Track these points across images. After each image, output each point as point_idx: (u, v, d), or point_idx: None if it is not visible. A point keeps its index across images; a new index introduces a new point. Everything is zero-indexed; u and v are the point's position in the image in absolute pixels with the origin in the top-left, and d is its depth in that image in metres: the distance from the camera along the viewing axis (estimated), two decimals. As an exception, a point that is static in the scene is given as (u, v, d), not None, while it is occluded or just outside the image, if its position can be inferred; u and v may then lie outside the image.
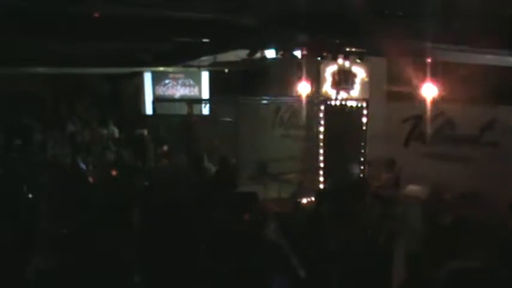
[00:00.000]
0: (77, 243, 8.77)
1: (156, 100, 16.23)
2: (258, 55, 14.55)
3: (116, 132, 16.72)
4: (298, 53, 14.74)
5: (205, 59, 16.56)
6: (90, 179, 12.41)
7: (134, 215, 9.99)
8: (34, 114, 16.13)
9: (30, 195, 11.00)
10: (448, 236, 9.00)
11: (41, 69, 13.95)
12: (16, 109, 15.62)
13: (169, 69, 16.78)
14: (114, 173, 12.60)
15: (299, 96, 15.79)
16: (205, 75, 17.47)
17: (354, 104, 15.18)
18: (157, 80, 17.12)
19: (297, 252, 9.34)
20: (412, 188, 13.62)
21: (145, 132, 14.93)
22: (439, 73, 12.92)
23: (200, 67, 16.71)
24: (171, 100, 15.78)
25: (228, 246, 8.22)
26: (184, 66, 16.96)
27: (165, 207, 10.25)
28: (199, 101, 16.03)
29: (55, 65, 13.84)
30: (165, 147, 13.92)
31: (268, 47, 14.56)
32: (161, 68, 16.46)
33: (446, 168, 13.79)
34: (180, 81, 17.20)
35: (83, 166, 12.90)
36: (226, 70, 16.96)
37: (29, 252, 8.59)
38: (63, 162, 13.42)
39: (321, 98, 15.39)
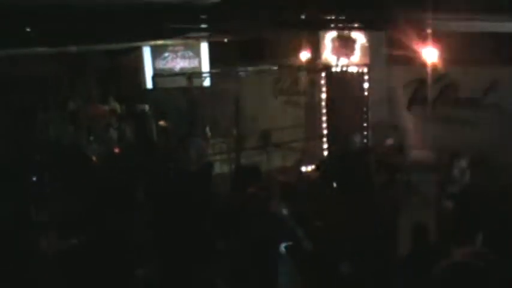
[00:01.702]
0: (85, 223, 8.80)
1: (156, 74, 16.10)
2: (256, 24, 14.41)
3: (118, 108, 16.62)
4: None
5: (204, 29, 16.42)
6: (94, 158, 12.39)
7: (139, 192, 9.98)
8: (35, 95, 15.99)
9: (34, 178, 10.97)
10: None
11: (40, 49, 13.76)
12: (16, 90, 15.50)
13: (168, 42, 16.63)
14: (118, 150, 12.58)
15: (300, 64, 15.68)
16: (204, 47, 17.34)
17: (354, 69, 15.07)
18: (156, 53, 17.01)
19: (303, 222, 9.38)
20: (417, 153, 13.59)
21: (147, 107, 14.85)
22: (439, 36, 12.80)
23: (199, 38, 16.52)
24: (172, 74, 15.61)
25: (232, 221, 8.19)
26: (183, 38, 16.80)
27: (169, 184, 10.25)
28: (199, 73, 15.87)
29: (54, 44, 13.68)
30: (166, 122, 13.86)
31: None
32: (160, 42, 16.31)
33: (450, 131, 13.75)
34: (179, 54, 17.09)
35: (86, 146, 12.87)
36: (226, 40, 16.82)
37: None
38: (65, 143, 13.38)
39: (322, 65, 15.27)
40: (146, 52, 16.98)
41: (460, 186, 9.61)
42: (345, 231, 9.09)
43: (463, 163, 9.38)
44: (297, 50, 15.69)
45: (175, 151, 11.91)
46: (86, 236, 8.45)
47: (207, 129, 14.55)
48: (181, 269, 7.97)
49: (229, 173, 11.02)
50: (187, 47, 17.25)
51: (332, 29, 14.59)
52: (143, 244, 8.62)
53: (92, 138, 13.97)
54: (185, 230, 8.49)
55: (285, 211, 9.20)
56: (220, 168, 12.84)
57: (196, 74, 15.48)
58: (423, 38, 12.69)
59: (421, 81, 14.42)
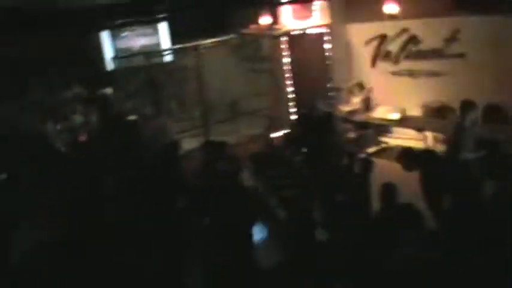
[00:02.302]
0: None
1: (116, 54, 15.84)
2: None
3: (82, 92, 16.28)
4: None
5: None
6: (63, 147, 12.20)
7: (110, 178, 9.90)
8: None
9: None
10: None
11: None
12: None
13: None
14: (85, 136, 12.39)
15: (260, 31, 15.53)
16: (163, 23, 17.08)
17: (315, 31, 14.97)
18: (114, 33, 16.71)
19: (274, 191, 9.38)
20: (383, 109, 13.63)
21: (110, 90, 14.59)
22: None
23: (156, 13, 16.23)
24: (132, 54, 15.31)
25: (204, 198, 8.16)
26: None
27: (140, 167, 10.17)
28: (159, 51, 15.61)
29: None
30: (130, 104, 13.68)
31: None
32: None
33: (416, 84, 13.80)
34: (138, 32, 16.80)
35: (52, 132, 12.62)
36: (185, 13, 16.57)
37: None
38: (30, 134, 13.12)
39: (282, 30, 15.15)
40: (104, 32, 16.68)
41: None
42: (317, 197, 9.09)
43: (476, 113, 9.29)
44: (257, 17, 15.51)
45: (140, 133, 11.74)
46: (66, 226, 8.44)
47: (173, 105, 14.42)
48: (159, 253, 7.95)
49: (198, 148, 10.90)
50: (145, 24, 16.99)
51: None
52: (119, 229, 8.57)
53: (58, 127, 13.68)
54: (158, 211, 8.44)
55: (256, 182, 9.22)
56: (189, 144, 12.73)
57: (157, 51, 15.24)
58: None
59: (383, 37, 14.41)
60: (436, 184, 8.01)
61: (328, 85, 14.92)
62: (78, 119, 13.85)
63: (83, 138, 12.62)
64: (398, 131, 13.90)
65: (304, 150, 10.97)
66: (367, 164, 9.17)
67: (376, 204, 8.06)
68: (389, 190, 7.66)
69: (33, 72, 16.92)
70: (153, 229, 8.19)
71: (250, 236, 8.03)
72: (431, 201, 7.72)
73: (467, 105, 9.41)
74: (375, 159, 10.46)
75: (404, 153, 8.35)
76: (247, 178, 9.08)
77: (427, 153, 8.78)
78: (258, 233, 8.24)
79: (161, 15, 14.39)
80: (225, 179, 8.38)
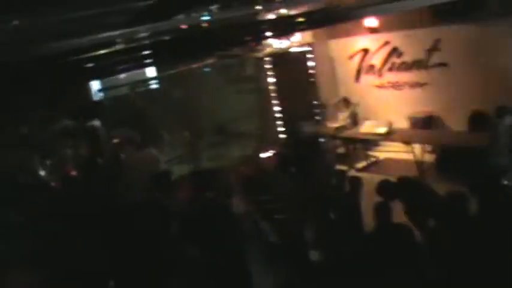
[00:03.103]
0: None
1: (103, 85, 15.80)
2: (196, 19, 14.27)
3: (70, 126, 16.21)
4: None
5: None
6: (54, 183, 12.17)
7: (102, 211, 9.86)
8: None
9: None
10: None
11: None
12: None
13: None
14: (75, 171, 12.35)
15: (244, 52, 15.58)
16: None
17: (298, 49, 15.06)
18: (101, 67, 16.66)
19: (267, 215, 9.37)
20: (370, 124, 13.66)
21: (98, 122, 14.54)
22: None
23: (139, 40, 16.24)
24: (118, 85, 15.22)
25: (197, 230, 8.16)
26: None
27: (131, 198, 10.17)
28: (145, 79, 15.57)
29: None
30: (117, 139, 13.64)
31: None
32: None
33: (400, 96, 13.87)
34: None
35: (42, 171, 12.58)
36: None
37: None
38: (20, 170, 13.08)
39: (265, 50, 15.22)
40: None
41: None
42: (308, 218, 9.10)
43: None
44: (239, 38, 15.56)
45: (130, 164, 11.72)
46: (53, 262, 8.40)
47: (162, 133, 14.42)
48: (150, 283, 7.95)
49: (187, 178, 10.94)
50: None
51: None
52: (111, 260, 8.56)
53: (48, 162, 13.64)
54: (151, 243, 8.42)
55: (247, 207, 9.21)
56: (179, 171, 12.75)
57: (142, 80, 15.23)
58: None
59: (365, 51, 14.50)
60: (420, 211, 7.96)
61: (314, 102, 14.98)
62: (67, 152, 13.84)
63: (73, 172, 12.60)
64: (387, 144, 13.93)
65: (293, 171, 10.97)
66: (356, 182, 9.17)
67: (369, 222, 8.07)
68: (381, 208, 7.67)
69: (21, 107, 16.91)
70: (144, 260, 8.18)
71: (244, 263, 8.03)
72: (418, 226, 7.68)
73: (503, 110, 9.45)
74: (365, 174, 10.52)
75: (380, 185, 8.27)
76: (238, 204, 9.05)
77: (405, 182, 8.66)
78: (252, 259, 8.23)
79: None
80: (215, 208, 8.38)
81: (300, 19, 13.71)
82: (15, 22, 9.88)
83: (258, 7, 13.98)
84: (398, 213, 7.64)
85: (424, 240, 7.20)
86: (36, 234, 9.24)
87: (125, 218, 9.24)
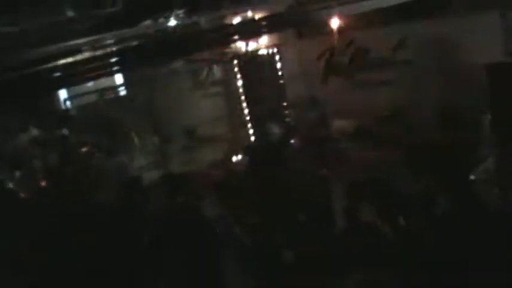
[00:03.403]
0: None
1: (70, 94, 15.67)
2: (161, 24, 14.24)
3: (39, 135, 16.07)
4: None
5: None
6: (24, 194, 12.08)
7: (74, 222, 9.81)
8: None
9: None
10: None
11: None
12: None
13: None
14: (45, 181, 12.27)
15: (210, 55, 15.58)
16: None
17: (265, 51, 15.10)
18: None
19: (239, 218, 9.40)
20: (339, 123, 13.73)
21: (66, 131, 14.45)
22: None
23: (106, 47, 16.15)
24: (86, 92, 15.08)
25: (166, 234, 8.17)
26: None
27: (101, 206, 10.15)
28: (112, 86, 15.49)
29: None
30: (85, 148, 13.59)
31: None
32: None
33: (368, 95, 13.94)
34: (88, 67, 16.65)
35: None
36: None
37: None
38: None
39: (232, 53, 15.24)
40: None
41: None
42: (281, 219, 9.14)
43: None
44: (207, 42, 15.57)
45: (100, 172, 11.72)
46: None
47: (132, 139, 14.40)
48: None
49: (157, 182, 10.93)
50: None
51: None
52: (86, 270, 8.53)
53: (17, 173, 13.52)
54: (124, 250, 8.41)
55: (219, 211, 9.23)
56: (149, 177, 12.73)
57: (110, 87, 15.17)
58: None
59: (332, 50, 14.53)
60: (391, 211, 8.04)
61: (283, 104, 15.04)
62: (37, 163, 13.75)
63: (43, 183, 12.53)
64: (355, 143, 14.00)
65: (264, 173, 11.01)
66: (326, 182, 9.26)
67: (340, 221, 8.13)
68: (351, 209, 7.72)
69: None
70: (116, 267, 8.17)
71: (218, 267, 8.06)
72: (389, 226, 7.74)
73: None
74: (335, 175, 10.57)
75: (351, 186, 8.30)
76: (210, 208, 9.07)
77: (374, 182, 8.71)
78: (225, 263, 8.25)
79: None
80: (186, 212, 8.39)
81: (266, 22, 13.80)
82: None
83: (224, 11, 14.04)
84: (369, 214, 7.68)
85: (395, 240, 7.26)
86: (6, 248, 9.21)
87: (97, 226, 9.22)
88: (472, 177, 8.42)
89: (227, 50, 15.27)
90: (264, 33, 14.60)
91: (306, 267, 7.91)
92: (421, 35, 12.66)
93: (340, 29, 13.71)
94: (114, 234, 8.65)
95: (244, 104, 15.47)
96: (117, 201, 9.50)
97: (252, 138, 15.44)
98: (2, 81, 11.87)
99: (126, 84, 15.36)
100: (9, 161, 13.85)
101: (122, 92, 15.55)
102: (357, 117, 13.73)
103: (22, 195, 12.05)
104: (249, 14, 14.42)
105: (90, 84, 15.42)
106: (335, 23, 13.49)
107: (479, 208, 6.64)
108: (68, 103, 14.80)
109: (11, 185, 12.52)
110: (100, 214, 9.54)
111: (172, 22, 13.03)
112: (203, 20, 14.26)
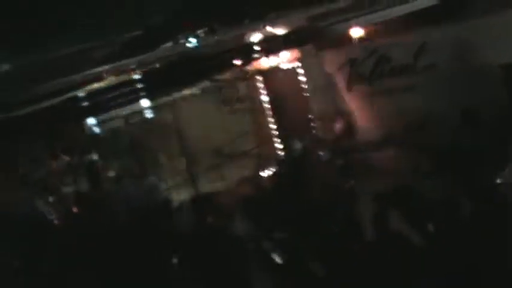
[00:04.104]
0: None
1: (97, 120, 15.76)
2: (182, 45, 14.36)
3: (69, 161, 16.24)
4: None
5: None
6: (57, 220, 12.21)
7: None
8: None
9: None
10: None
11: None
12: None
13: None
14: (77, 207, 12.39)
15: (234, 72, 15.65)
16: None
17: (287, 66, 15.15)
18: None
19: (269, 234, 9.41)
20: (365, 133, 13.70)
21: (95, 156, 14.60)
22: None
23: (132, 71, 16.28)
24: (113, 117, 15.12)
25: (200, 256, 8.22)
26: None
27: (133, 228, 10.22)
28: (139, 110, 15.52)
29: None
30: (117, 166, 13.74)
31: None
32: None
33: (392, 103, 13.87)
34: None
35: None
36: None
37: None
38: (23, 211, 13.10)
39: (255, 69, 15.31)
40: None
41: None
42: (310, 233, 9.14)
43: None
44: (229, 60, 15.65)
45: (130, 195, 11.80)
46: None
47: (161, 161, 14.49)
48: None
49: (186, 203, 11.02)
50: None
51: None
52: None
53: (50, 199, 13.69)
54: (156, 271, 8.49)
55: (248, 228, 9.26)
56: (178, 198, 12.83)
57: (137, 110, 15.23)
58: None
59: (353, 61, 14.54)
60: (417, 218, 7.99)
61: (309, 117, 15.05)
62: (68, 189, 13.91)
63: (75, 208, 12.65)
64: (382, 152, 13.92)
65: (293, 188, 11.04)
66: (355, 192, 9.25)
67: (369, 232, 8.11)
68: (379, 218, 7.72)
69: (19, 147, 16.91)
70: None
71: (249, 285, 8.08)
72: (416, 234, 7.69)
73: None
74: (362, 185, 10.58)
75: (377, 195, 8.27)
76: (238, 226, 9.11)
77: (401, 190, 8.66)
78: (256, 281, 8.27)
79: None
80: (216, 232, 8.44)
81: (286, 37, 13.88)
82: (5, 66, 10.05)
83: (244, 29, 14.15)
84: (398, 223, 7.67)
85: (423, 247, 7.24)
86: (40, 272, 9.34)
87: (129, 248, 9.31)
88: (498, 180, 8.37)
89: (250, 67, 15.32)
90: (285, 48, 14.65)
91: (337, 281, 7.91)
92: (441, 39, 12.58)
93: (360, 39, 13.73)
94: (144, 255, 8.74)
95: (270, 119, 15.50)
96: (147, 223, 9.59)
97: (279, 153, 15.45)
98: (30, 111, 12.07)
99: (151, 106, 15.43)
100: (41, 187, 14.04)
101: (148, 114, 15.62)
102: (382, 126, 13.66)
103: (55, 219, 12.20)
104: (269, 30, 14.56)
105: (116, 108, 15.58)
106: (355, 33, 13.52)
107: (506, 211, 6.62)
108: (95, 128, 14.88)
109: (44, 210, 12.69)
110: (130, 236, 9.62)
111: (193, 43, 13.20)
112: (224, 39, 14.44)
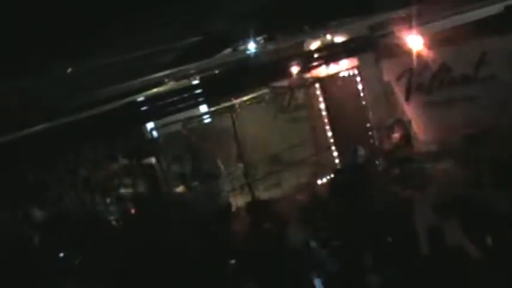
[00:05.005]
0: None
1: (156, 124, 15.96)
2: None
3: (127, 164, 16.50)
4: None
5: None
6: (115, 221, 12.43)
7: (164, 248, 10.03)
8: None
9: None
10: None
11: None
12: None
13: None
14: (135, 208, 12.59)
15: (292, 80, 15.69)
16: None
17: (346, 74, 15.14)
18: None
19: (325, 241, 9.42)
20: (423, 143, 13.59)
21: (154, 159, 14.81)
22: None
23: (190, 76, 16.46)
24: (172, 122, 15.28)
25: (255, 262, 8.27)
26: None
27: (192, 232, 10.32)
28: (197, 115, 15.69)
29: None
30: (175, 170, 13.92)
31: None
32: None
33: (451, 113, 13.75)
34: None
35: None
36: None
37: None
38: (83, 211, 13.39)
39: (313, 77, 15.34)
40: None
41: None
42: (368, 241, 9.14)
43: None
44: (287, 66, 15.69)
45: (189, 199, 11.95)
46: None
47: (219, 166, 14.61)
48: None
49: (243, 209, 11.08)
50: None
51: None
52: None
53: (108, 200, 13.97)
54: (212, 275, 8.57)
55: (304, 235, 9.29)
56: (235, 203, 12.95)
57: (195, 116, 15.39)
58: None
59: (413, 70, 14.44)
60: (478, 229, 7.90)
61: (367, 125, 15.01)
62: (126, 190, 14.16)
63: (133, 209, 12.86)
64: (442, 162, 13.79)
65: (350, 196, 11.01)
66: (412, 202, 9.20)
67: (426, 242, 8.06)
68: (437, 228, 7.68)
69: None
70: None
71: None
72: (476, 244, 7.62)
73: None
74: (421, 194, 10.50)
75: (437, 205, 8.24)
76: (294, 233, 9.14)
77: (462, 200, 8.59)
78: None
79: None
80: (273, 238, 8.49)
81: (345, 45, 13.87)
82: (70, 69, 10.25)
83: (305, 37, 14.18)
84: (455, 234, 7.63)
85: (482, 258, 7.18)
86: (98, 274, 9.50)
87: (185, 253, 9.42)
88: None
89: (308, 75, 15.36)
90: (344, 56, 14.64)
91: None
92: (502, 49, 12.41)
93: (420, 49, 13.63)
94: (199, 260, 8.82)
95: (327, 127, 15.51)
96: (203, 228, 9.67)
97: (337, 161, 15.45)
98: (91, 115, 12.32)
99: (209, 112, 15.61)
100: (100, 190, 14.32)
101: (206, 120, 15.79)
102: (441, 136, 13.53)
103: (112, 221, 12.41)
104: (328, 38, 14.59)
105: (175, 113, 15.76)
106: (414, 42, 13.43)
107: None
108: (154, 133, 15.10)
109: (102, 211, 12.92)
110: (186, 240, 9.72)
111: (252, 50, 13.28)
112: (283, 46, 14.51)
